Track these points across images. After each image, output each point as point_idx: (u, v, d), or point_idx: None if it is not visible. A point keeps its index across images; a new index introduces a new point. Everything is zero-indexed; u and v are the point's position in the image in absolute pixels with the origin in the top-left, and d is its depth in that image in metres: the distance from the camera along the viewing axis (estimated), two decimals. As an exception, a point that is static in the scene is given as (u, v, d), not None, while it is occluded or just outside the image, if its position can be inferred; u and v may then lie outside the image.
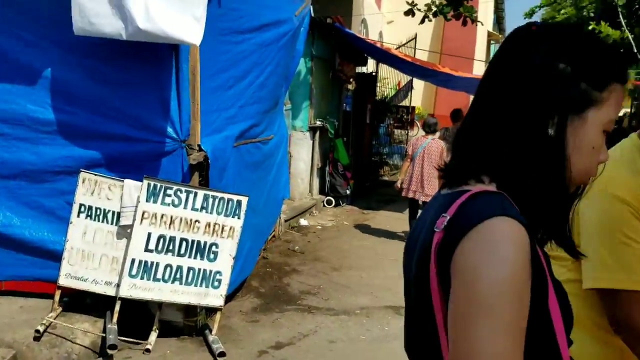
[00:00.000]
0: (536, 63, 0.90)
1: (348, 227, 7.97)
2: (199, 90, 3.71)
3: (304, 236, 7.25)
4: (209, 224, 3.69)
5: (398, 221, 8.43)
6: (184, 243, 3.65)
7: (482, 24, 10.31)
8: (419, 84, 26.79)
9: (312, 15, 7.73)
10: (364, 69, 11.68)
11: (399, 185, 7.16)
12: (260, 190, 5.46)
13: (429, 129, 7.14)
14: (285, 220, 7.41)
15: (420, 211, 6.97)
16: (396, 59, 8.59)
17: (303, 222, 7.84)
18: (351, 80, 10.15)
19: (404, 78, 14.66)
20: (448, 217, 0.88)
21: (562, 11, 20.97)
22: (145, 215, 3.56)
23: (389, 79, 13.64)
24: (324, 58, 8.87)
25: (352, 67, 10.04)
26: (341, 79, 9.73)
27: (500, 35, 31.21)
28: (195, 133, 3.72)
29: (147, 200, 3.55)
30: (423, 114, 28.00)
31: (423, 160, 6.82)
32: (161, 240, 3.61)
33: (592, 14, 17.84)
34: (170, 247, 3.63)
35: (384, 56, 8.88)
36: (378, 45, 8.30)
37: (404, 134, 15.65)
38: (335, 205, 9.11)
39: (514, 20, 79.57)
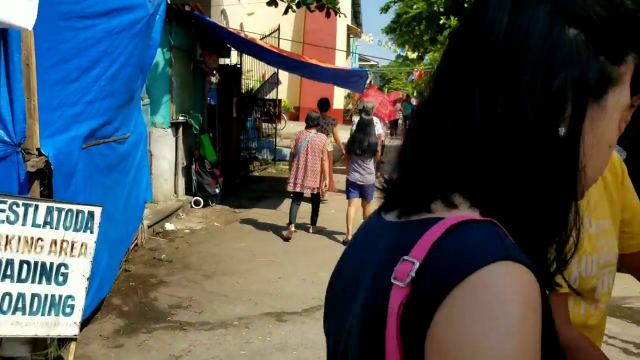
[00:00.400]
0: (536, 30, 0.62)
1: (219, 228, 7.54)
2: (35, 84, 3.11)
3: (170, 242, 6.71)
4: (55, 242, 3.11)
5: (272, 218, 8.17)
6: (25, 266, 3.05)
7: (345, 16, 10.36)
8: (284, 77, 26.77)
9: (169, 2, 7.17)
10: (227, 61, 11.23)
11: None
12: (117, 196, 4.88)
13: (312, 122, 7.24)
14: (149, 226, 6.81)
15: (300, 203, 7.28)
16: (261, 50, 8.27)
17: (169, 226, 7.28)
18: (214, 72, 9.66)
19: (269, 70, 14.43)
20: (417, 264, 0.58)
21: (415, 6, 22.14)
22: (-30, 237, 2.91)
23: (253, 72, 13.30)
24: (184, 49, 8.31)
25: (215, 58, 9.56)
26: (204, 70, 9.21)
27: (359, 29, 32.23)
28: (32, 134, 3.12)
29: (-29, 219, 2.90)
30: (289, 106, 28.05)
31: (307, 154, 6.95)
32: (-6, 265, 2.98)
33: (441, 9, 19.06)
34: (8, 272, 3.01)
35: (248, 46, 8.52)
36: (242, 34, 7.91)
37: (272, 127, 15.45)
38: (205, 206, 8.62)
39: (370, 15, 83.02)
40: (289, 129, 23.07)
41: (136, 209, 5.79)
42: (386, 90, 36.09)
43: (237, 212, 8.50)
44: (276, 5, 8.92)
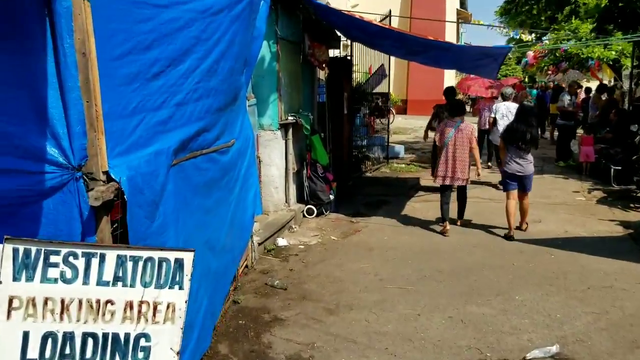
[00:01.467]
0: None
1: (337, 243, 6.52)
2: (98, 82, 2.20)
3: (284, 262, 5.79)
4: (130, 305, 2.19)
5: (396, 230, 7.02)
6: (90, 341, 2.15)
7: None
8: (389, 69, 25.46)
9: (274, -15, 6.25)
10: (336, 53, 10.22)
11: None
12: (221, 218, 3.99)
13: (456, 111, 7.03)
14: (260, 243, 5.94)
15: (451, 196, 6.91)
16: (379, 33, 7.08)
17: (281, 241, 6.37)
18: (324, 65, 8.68)
19: (376, 63, 13.22)
20: None
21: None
22: (15, 303, 2.06)
23: (359, 64, 12.16)
24: (292, 40, 7.38)
25: (325, 49, 8.57)
26: (313, 64, 8.25)
27: (470, 13, 30.14)
28: (97, 152, 2.22)
29: (15, 279, 2.04)
30: (396, 100, 26.70)
31: (455, 144, 6.74)
32: (49, 341, 2.11)
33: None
34: (67, 351, 2.13)
35: (364, 31, 7.40)
36: (358, 16, 6.80)
37: (382, 123, 14.27)
38: (318, 215, 7.66)
39: (477, 2, 79.19)
40: (397, 123, 21.78)
41: (243, 229, 4.90)
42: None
43: (355, 222, 7.44)
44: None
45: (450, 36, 27.86)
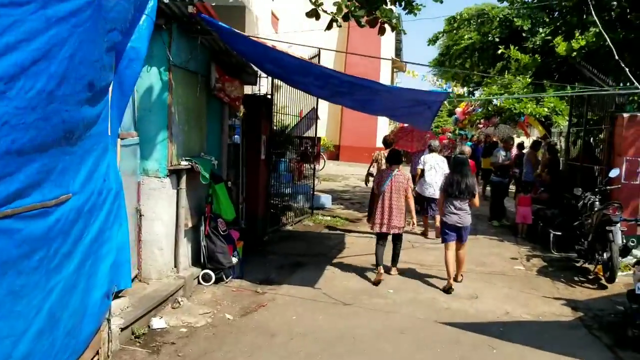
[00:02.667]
0: None
1: (232, 325, 5.15)
2: None
3: (153, 355, 4.35)
4: None
5: (309, 306, 5.74)
6: None
7: (405, 32, 8.08)
8: (322, 112, 24.66)
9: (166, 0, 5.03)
10: (255, 90, 9.06)
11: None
12: (19, 317, 2.60)
13: (394, 160, 7.04)
14: (125, 327, 4.49)
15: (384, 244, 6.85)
16: (298, 67, 5.97)
17: (158, 323, 4.93)
18: (237, 103, 7.47)
19: (307, 104, 12.19)
20: None
21: (466, 36, 19.88)
22: None
23: (290, 107, 11.05)
24: (193, 70, 6.13)
25: (238, 84, 7.37)
26: (222, 100, 7.03)
27: (404, 64, 30.14)
28: None
29: None
30: (329, 145, 25.85)
31: (391, 192, 6.79)
32: None
33: (497, 39, 16.78)
34: None
35: (281, 65, 6.27)
36: (270, 45, 5.65)
37: (309, 168, 13.16)
38: (217, 281, 6.27)
39: (412, 51, 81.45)
40: (328, 170, 20.81)
41: (84, 316, 3.49)
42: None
43: (260, 293, 6.10)
44: (318, 17, 6.72)
45: (384, 80, 27.57)
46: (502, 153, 11.58)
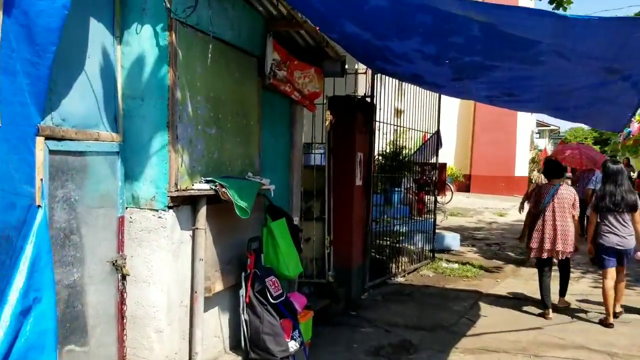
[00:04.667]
0: None
1: None
2: None
3: None
4: None
5: None
6: None
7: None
8: (449, 138, 21.64)
9: None
10: (349, 88, 6.64)
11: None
12: None
13: (555, 174, 5.98)
14: None
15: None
16: (411, 18, 3.33)
17: None
18: (313, 102, 5.13)
19: (423, 111, 9.52)
20: None
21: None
22: None
23: (404, 116, 8.46)
24: (228, 42, 3.89)
25: (315, 75, 5.02)
26: (289, 97, 4.73)
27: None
28: None
29: None
30: (457, 175, 22.68)
31: (554, 210, 5.74)
32: None
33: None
34: None
35: (372, 24, 3.71)
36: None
37: (431, 201, 10.40)
38: (265, 380, 3.85)
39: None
40: (456, 203, 17.72)
41: None
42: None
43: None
44: None
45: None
46: None
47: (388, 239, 7.94)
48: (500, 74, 3.94)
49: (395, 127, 7.59)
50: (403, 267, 7.84)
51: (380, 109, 6.87)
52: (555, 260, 5.97)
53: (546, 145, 43.64)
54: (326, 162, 6.00)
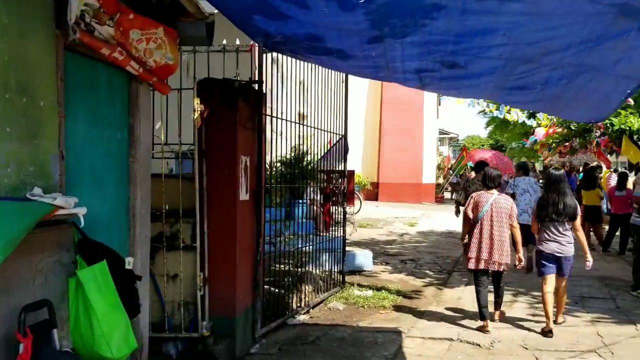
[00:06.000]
0: None
1: None
2: None
3: None
4: None
5: None
6: None
7: None
8: (356, 143, 20.52)
9: None
10: (225, 71, 4.98)
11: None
12: None
13: (493, 183, 5.72)
14: None
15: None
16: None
17: None
18: (163, 81, 3.46)
19: (325, 112, 8.07)
20: None
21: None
22: None
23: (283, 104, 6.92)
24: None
25: (167, 38, 3.34)
26: (123, 70, 3.04)
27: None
28: None
29: None
30: (364, 182, 21.62)
31: (492, 220, 5.56)
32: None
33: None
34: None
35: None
36: None
37: (339, 212, 8.92)
38: None
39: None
40: (366, 213, 16.54)
41: None
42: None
43: None
44: None
45: (430, 106, 23.46)
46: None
47: (289, 262, 6.36)
48: (444, 24, 2.50)
49: (296, 124, 6.03)
50: (307, 299, 6.29)
51: (275, 101, 5.30)
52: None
53: (448, 152, 44.33)
54: (196, 170, 4.35)
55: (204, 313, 4.45)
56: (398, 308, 6.37)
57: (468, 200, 5.91)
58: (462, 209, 6.68)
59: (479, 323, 5.56)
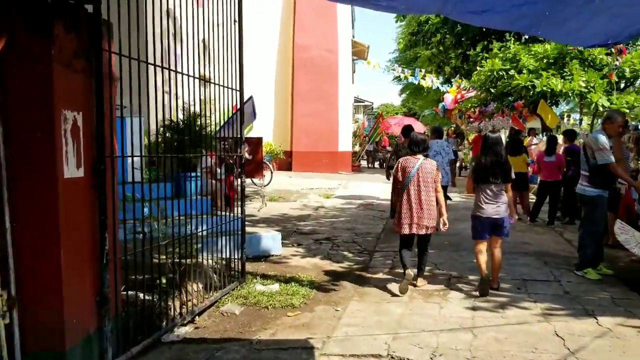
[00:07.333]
0: None
1: None
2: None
3: None
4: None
5: None
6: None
7: None
8: (266, 109, 18.93)
9: None
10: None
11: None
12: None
13: (418, 147, 5.78)
14: None
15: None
16: None
17: None
18: None
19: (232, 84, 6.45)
20: None
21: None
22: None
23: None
24: None
25: None
26: None
27: (367, 45, 24.85)
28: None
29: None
30: (276, 151, 20.15)
31: (419, 184, 5.64)
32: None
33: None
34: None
35: None
36: None
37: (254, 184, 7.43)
38: None
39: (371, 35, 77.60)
40: (278, 184, 15.14)
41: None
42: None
43: None
44: None
45: (345, 69, 22.27)
46: (604, 140, 6.11)
47: (174, 252, 4.84)
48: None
49: (165, 69, 4.42)
50: (193, 302, 4.83)
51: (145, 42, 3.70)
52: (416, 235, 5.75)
53: (363, 120, 43.65)
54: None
55: (12, 350, 2.91)
56: (311, 306, 5.08)
57: (395, 166, 5.92)
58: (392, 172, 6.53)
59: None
